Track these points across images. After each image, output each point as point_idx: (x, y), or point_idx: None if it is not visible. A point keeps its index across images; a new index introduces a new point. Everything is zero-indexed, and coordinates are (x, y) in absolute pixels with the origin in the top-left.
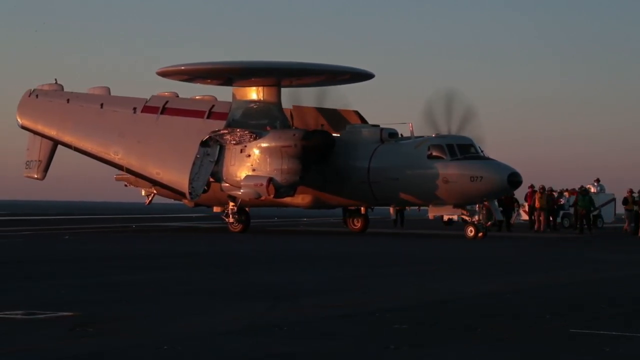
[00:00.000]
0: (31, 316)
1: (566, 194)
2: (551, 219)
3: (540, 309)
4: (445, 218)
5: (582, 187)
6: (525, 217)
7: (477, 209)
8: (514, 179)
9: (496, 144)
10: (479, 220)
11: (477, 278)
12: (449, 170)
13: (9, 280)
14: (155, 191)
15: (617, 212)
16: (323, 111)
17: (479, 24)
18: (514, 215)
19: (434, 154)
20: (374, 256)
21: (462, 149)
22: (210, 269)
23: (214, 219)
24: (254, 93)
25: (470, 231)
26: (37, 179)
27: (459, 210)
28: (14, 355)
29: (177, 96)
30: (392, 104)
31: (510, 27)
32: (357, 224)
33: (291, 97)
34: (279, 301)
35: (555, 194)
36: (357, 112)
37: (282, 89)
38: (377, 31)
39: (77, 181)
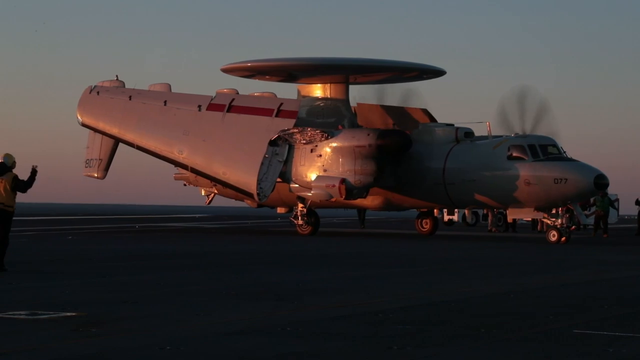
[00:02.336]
0: (34, 316)
1: None
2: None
3: (543, 309)
4: (446, 218)
5: None
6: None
7: (559, 212)
8: (601, 181)
9: None
10: (561, 224)
11: (480, 278)
12: (531, 172)
13: (13, 280)
14: (215, 191)
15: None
16: (389, 109)
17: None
18: None
19: (515, 154)
20: (378, 256)
21: (544, 150)
22: (213, 268)
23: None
24: (320, 90)
25: (553, 235)
26: (97, 178)
27: (541, 214)
28: (18, 355)
29: (238, 93)
30: (461, 101)
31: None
32: (426, 226)
33: (353, 94)
34: (282, 301)
35: None
36: (425, 110)
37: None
38: (446, 27)
39: (138, 183)
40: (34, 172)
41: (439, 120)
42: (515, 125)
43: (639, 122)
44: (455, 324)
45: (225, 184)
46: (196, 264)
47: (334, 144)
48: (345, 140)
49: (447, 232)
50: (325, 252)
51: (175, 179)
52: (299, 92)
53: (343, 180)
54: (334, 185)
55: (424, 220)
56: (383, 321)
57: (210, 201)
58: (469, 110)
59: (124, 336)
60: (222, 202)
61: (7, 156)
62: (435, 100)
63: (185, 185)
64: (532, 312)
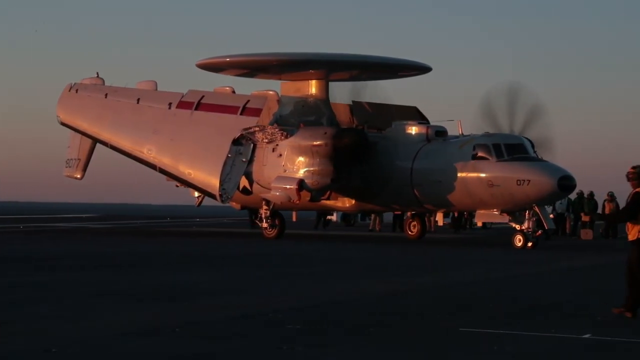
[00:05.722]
0: None
1: None
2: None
3: (432, 309)
4: (328, 217)
5: None
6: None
7: (526, 215)
8: (566, 183)
9: None
10: (527, 228)
11: (376, 278)
12: (493, 173)
13: None
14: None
15: None
16: (381, 107)
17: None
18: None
19: (479, 154)
20: (276, 257)
21: (510, 149)
22: (110, 269)
23: None
24: (300, 87)
25: (519, 240)
26: (77, 178)
27: (506, 217)
28: None
29: (234, 92)
30: (450, 99)
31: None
32: (414, 230)
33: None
34: (175, 302)
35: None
36: (416, 108)
37: (344, 83)
38: (431, 22)
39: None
40: None
41: (431, 118)
42: (500, 125)
43: (613, 122)
44: (345, 324)
45: (191, 185)
46: (88, 264)
47: (293, 143)
48: (303, 139)
49: (355, 233)
50: (223, 253)
51: (167, 179)
52: (281, 89)
53: (300, 182)
54: (291, 187)
55: (412, 224)
56: (276, 321)
57: (200, 203)
58: (458, 108)
59: (9, 339)
60: (211, 202)
61: None
62: (423, 97)
63: (177, 186)
64: (422, 311)
